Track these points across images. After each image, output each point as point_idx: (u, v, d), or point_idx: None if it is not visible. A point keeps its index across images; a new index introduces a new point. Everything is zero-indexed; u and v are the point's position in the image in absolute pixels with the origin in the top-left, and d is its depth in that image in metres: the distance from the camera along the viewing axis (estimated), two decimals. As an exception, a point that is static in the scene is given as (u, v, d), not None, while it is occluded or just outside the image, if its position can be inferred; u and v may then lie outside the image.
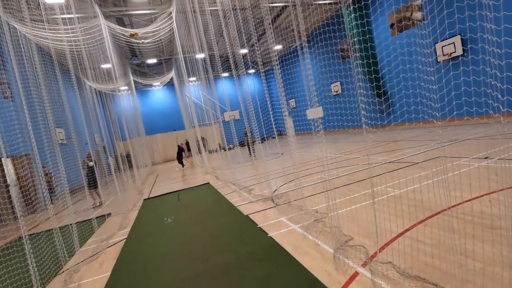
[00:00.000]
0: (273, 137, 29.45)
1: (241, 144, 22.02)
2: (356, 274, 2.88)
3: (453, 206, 3.85)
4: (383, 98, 16.21)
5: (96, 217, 7.23)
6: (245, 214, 5.64)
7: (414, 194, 4.56)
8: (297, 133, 27.24)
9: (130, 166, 15.38)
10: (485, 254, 2.58)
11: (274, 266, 3.41)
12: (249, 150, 17.59)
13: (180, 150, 18.33)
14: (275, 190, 7.00)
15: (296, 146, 17.29)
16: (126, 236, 5.78)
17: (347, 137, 16.48)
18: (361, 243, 3.44)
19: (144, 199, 9.58)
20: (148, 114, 29.10)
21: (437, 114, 2.81)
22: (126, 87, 23.99)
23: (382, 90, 16.95)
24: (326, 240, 3.73)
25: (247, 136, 17.39)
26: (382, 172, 6.49)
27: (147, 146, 27.69)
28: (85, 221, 7.23)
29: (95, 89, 14.31)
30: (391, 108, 15.97)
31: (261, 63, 6.50)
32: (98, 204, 9.89)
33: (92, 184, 9.22)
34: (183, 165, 18.26)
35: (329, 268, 3.10)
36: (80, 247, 5.51)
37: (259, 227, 4.76)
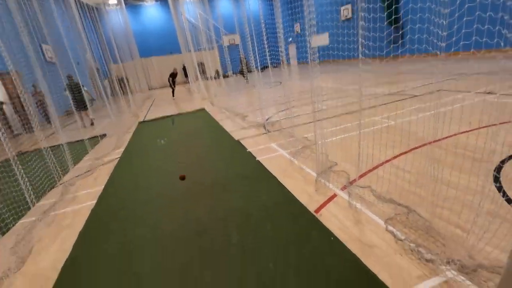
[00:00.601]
0: (274, 66, 28.19)
1: (241, 73, 21.18)
2: (334, 195, 2.98)
3: (443, 138, 3.81)
4: (393, 27, 14.84)
5: (90, 138, 7.31)
6: (236, 139, 5.66)
7: (407, 126, 4.47)
8: (302, 62, 25.94)
9: (125, 92, 15.04)
10: (461, 183, 2.61)
11: (258, 185, 3.53)
12: (244, 76, 17.28)
13: (173, 76, 15.65)
14: (268, 118, 6.92)
15: (298, 75, 16.63)
16: (120, 155, 5.91)
17: (352, 67, 15.71)
18: (345, 169, 3.49)
19: (139, 122, 9.59)
20: (141, 34, 27.12)
21: (442, 44, 2.47)
22: (114, 1, 21.74)
23: (394, 18, 15.43)
24: (312, 165, 3.78)
25: (241, 63, 16.86)
26: (379, 103, 6.31)
27: (142, 70, 26.63)
28: (78, 141, 7.31)
29: (79, 1, 12.91)
30: (400, 40, 14.78)
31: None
32: (87, 125, 9.91)
33: (81, 105, 9.02)
34: (173, 93, 15.78)
35: (310, 190, 3.20)
36: (75, 164, 5.68)
37: (249, 151, 4.82)
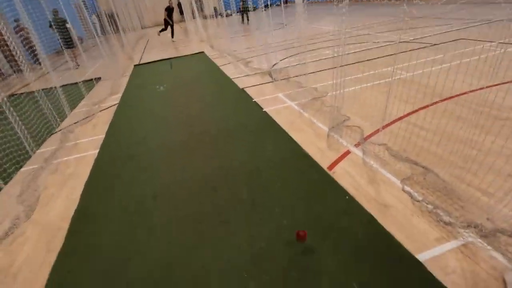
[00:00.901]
0: (277, 5, 25.92)
1: (242, 12, 19.51)
2: (347, 152, 2.87)
3: (462, 94, 3.58)
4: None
5: (84, 81, 6.91)
6: (240, 87, 5.36)
7: (424, 78, 4.19)
8: (311, 2, 23.77)
9: (116, 30, 13.89)
10: (484, 143, 2.49)
11: (265, 137, 3.41)
12: (242, 17, 16.09)
13: (169, 11, 12.68)
14: (274, 65, 6.49)
15: (305, 16, 15.35)
16: (117, 102, 5.64)
17: (364, 9, 14.44)
18: (358, 124, 3.33)
19: (135, 65, 9.03)
20: (130, -38, 24.13)
21: None
22: None
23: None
24: (323, 119, 3.61)
25: (242, 1, 15.49)
26: (394, 52, 5.86)
27: (134, 6, 24.39)
28: (72, 84, 6.90)
29: None
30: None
31: None
32: (75, 66, 9.34)
33: (69, 42, 8.34)
34: (172, 33, 13.38)
35: (321, 145, 3.08)
36: (72, 110, 5.43)
37: (254, 101, 4.58)
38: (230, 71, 6.66)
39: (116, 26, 13.98)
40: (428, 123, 3.03)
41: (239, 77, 6.06)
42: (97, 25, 14.93)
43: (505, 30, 6.13)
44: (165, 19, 12.85)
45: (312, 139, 3.23)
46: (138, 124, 4.46)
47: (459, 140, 2.70)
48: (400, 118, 3.30)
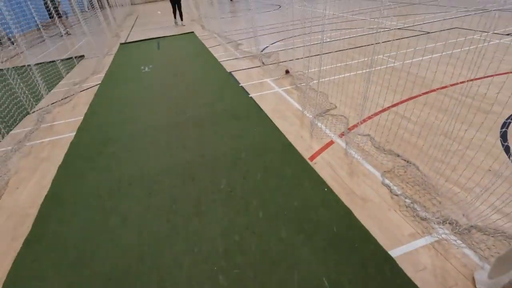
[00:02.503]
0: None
1: None
2: (331, 142, 2.81)
3: (452, 85, 3.53)
4: None
5: (65, 59, 6.59)
6: (228, 70, 5.18)
7: (414, 68, 4.11)
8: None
9: (103, 5, 13.21)
10: (465, 137, 2.45)
11: (249, 124, 3.31)
12: None
13: None
14: (264, 48, 6.30)
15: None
16: (100, 82, 5.41)
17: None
18: (344, 113, 3.26)
19: (121, 43, 8.66)
20: None
21: None
22: None
23: None
24: (308, 106, 3.52)
25: None
26: (385, 39, 5.73)
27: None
28: (50, 62, 6.56)
29: None
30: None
31: None
32: (65, 33, 8.92)
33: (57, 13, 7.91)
34: (180, 15, 10.71)
35: (304, 134, 3.01)
36: (50, 90, 5.19)
37: (241, 86, 4.44)
38: (219, 53, 6.44)
39: (106, 1, 13.32)
40: (413, 115, 2.97)
41: (228, 60, 5.86)
42: (84, 0, 14.22)
43: (500, 20, 6.05)
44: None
45: (297, 127, 3.16)
46: (118, 106, 4.29)
47: (441, 132, 2.66)
48: (387, 108, 3.24)
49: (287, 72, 4.57)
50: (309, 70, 4.54)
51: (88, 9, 15.09)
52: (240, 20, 10.60)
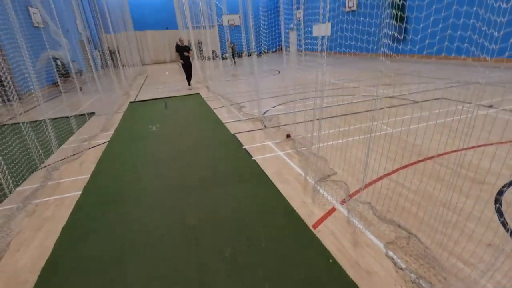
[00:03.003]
0: (273, 51, 27.46)
1: (239, 55, 20.86)
2: (333, 209, 2.88)
3: (445, 153, 3.75)
4: (398, 24, 14.54)
5: (77, 115, 6.96)
6: (232, 132, 5.47)
7: (407, 136, 4.39)
8: (303, 52, 25.39)
9: (116, 65, 14.41)
10: (463, 208, 2.54)
11: (252, 188, 3.41)
12: (233, 58, 19.26)
13: (180, 50, 10.15)
14: (266, 111, 6.73)
15: (297, 65, 16.30)
16: (108, 139, 5.65)
17: (355, 61, 15.46)
18: (344, 179, 3.39)
19: (130, 102, 9.21)
20: (138, 5, 25.86)
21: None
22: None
23: (399, 14, 15.09)
24: (310, 171, 3.67)
25: (231, 48, 18.87)
26: (379, 107, 6.20)
27: (136, 43, 25.59)
28: (62, 118, 6.89)
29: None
30: (405, 36, 14.59)
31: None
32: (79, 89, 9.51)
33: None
34: (188, 79, 10.83)
35: (307, 199, 3.09)
36: (59, 146, 5.39)
37: (244, 148, 4.66)
38: (223, 114, 6.85)
39: (117, 61, 14.54)
40: (412, 184, 3.11)
41: (231, 121, 6.22)
42: (98, 60, 15.52)
43: (482, 92, 6.61)
44: (178, 61, 10.44)
45: (299, 192, 3.25)
46: (125, 166, 4.43)
47: (439, 202, 2.76)
48: (385, 175, 3.39)
49: (288, 136, 4.84)
50: (309, 135, 4.83)
51: (103, 68, 16.37)
52: (243, 83, 11.45)
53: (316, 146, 4.04)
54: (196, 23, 15.31)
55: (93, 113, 7.86)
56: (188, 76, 10.76)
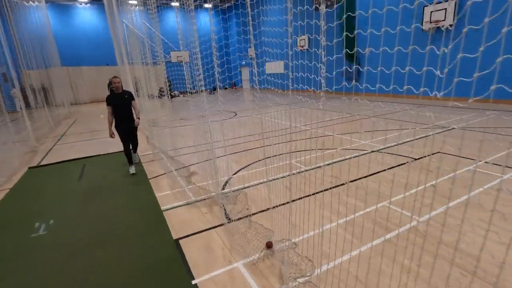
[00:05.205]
0: (225, 88, 26.29)
1: (170, 95, 19.02)
2: None
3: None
4: (352, 63, 14.39)
5: None
6: (174, 236, 3.34)
7: (439, 231, 2.80)
8: (255, 88, 24.68)
9: (47, 103, 11.84)
10: None
11: None
12: (170, 96, 17.08)
13: (115, 101, 5.35)
14: (226, 182, 4.79)
15: (252, 105, 14.90)
16: None
17: (311, 103, 14.61)
18: None
19: (29, 168, 6.49)
20: (70, 38, 23.04)
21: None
22: (31, -5, 17.79)
23: (351, 53, 15.08)
24: None
25: (168, 85, 16.54)
26: (370, 170, 4.69)
27: (69, 80, 22.37)
28: None
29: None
30: (357, 69, 14.44)
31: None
32: None
33: None
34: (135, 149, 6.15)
35: None
36: None
37: (195, 284, 2.57)
38: (163, 191, 4.70)
39: (44, 100, 11.84)
40: None
41: (176, 207, 4.10)
42: (17, 100, 12.36)
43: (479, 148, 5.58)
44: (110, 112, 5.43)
45: None
46: None
47: None
48: None
49: (269, 246, 2.92)
50: (299, 238, 2.92)
51: (21, 109, 13.08)
52: (193, 130, 9.47)
53: (322, 269, 2.19)
54: (141, 59, 13.23)
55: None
56: (129, 149, 5.62)
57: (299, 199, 3.92)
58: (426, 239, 2.93)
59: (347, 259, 2.68)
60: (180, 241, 3.22)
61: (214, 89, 17.19)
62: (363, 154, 5.65)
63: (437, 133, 6.81)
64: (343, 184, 4.27)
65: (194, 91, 4.50)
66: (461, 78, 1.32)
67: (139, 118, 5.73)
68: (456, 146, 5.68)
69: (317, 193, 4.09)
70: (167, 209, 4.02)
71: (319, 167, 5.14)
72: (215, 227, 3.48)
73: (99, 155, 7.16)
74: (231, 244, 3.10)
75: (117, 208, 4.22)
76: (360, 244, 2.91)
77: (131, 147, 5.76)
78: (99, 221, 3.85)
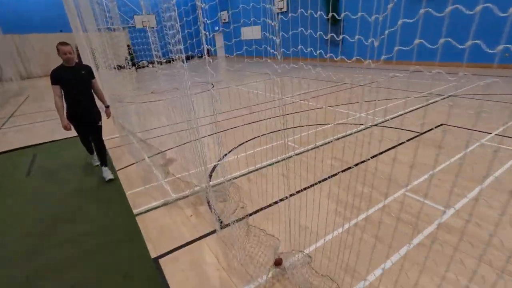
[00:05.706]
0: (199, 56, 24.57)
1: (133, 65, 17.24)
2: None
3: None
4: (333, 25, 13.44)
5: None
6: (152, 254, 2.61)
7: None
8: (229, 56, 23.16)
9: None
10: None
11: None
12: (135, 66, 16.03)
13: (70, 81, 3.67)
14: (212, 171, 4.04)
15: (229, 75, 13.71)
16: None
17: (296, 70, 13.73)
18: None
19: (-36, 162, 5.29)
20: (13, 1, 19.76)
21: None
22: None
23: (333, 15, 14.07)
24: None
25: (130, 54, 14.43)
26: (374, 150, 4.13)
27: (9, 51, 19.47)
28: None
29: None
30: (341, 36, 13.58)
31: None
32: None
33: None
34: (105, 162, 4.27)
35: None
36: None
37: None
38: (136, 187, 3.87)
39: None
40: None
41: (153, 208, 3.32)
42: None
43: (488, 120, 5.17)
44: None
45: None
46: None
47: None
48: None
49: (277, 263, 2.28)
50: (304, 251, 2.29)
51: None
52: (166, 106, 8.39)
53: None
54: (104, 24, 11.37)
55: None
56: (88, 145, 4.45)
57: (300, 191, 3.28)
58: (462, 238, 2.43)
59: (379, 276, 2.12)
60: (160, 261, 2.49)
61: (187, 58, 15.69)
62: (362, 130, 5.05)
63: (435, 101, 6.35)
64: (349, 168, 3.67)
65: (165, 60, 3.53)
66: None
67: (108, 107, 4.24)
68: (459, 116, 5.23)
69: (321, 181, 3.47)
70: (140, 213, 3.23)
71: (317, 147, 4.50)
72: (205, 236, 2.77)
73: (54, 141, 6.02)
74: (227, 262, 2.42)
75: (80, 200, 3.36)
76: (389, 250, 2.35)
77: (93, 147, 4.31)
78: (50, 232, 2.99)
